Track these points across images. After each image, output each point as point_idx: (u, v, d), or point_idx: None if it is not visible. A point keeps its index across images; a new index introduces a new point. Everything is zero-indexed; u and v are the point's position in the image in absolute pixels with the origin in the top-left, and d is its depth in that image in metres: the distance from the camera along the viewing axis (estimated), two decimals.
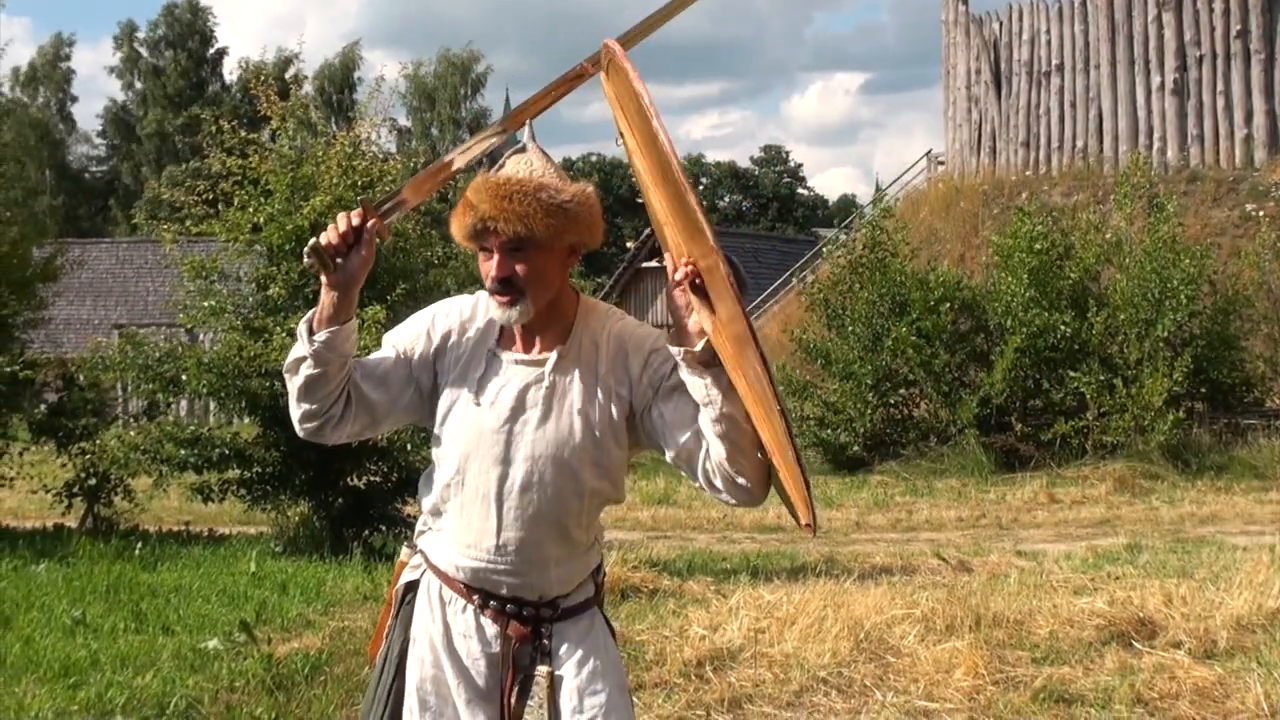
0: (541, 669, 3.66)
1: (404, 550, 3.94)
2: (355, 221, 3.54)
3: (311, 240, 3.52)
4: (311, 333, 3.58)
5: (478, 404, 3.64)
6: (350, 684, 8.09)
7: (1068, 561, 12.77)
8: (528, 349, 3.68)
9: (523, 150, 3.64)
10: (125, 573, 12.23)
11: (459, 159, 3.80)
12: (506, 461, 3.59)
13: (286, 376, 3.69)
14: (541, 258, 3.57)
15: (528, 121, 3.74)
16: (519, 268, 3.54)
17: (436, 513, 3.76)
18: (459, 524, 3.67)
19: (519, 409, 3.62)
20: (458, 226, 3.58)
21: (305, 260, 3.55)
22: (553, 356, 3.63)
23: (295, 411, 3.72)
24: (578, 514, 3.67)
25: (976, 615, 8.99)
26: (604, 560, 3.97)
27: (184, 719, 7.52)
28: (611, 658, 3.77)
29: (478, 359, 3.69)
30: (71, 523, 16.29)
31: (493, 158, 3.78)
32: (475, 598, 3.68)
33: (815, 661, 8.26)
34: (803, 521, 3.48)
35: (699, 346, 3.40)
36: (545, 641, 3.68)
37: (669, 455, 3.61)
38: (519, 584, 3.65)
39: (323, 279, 3.56)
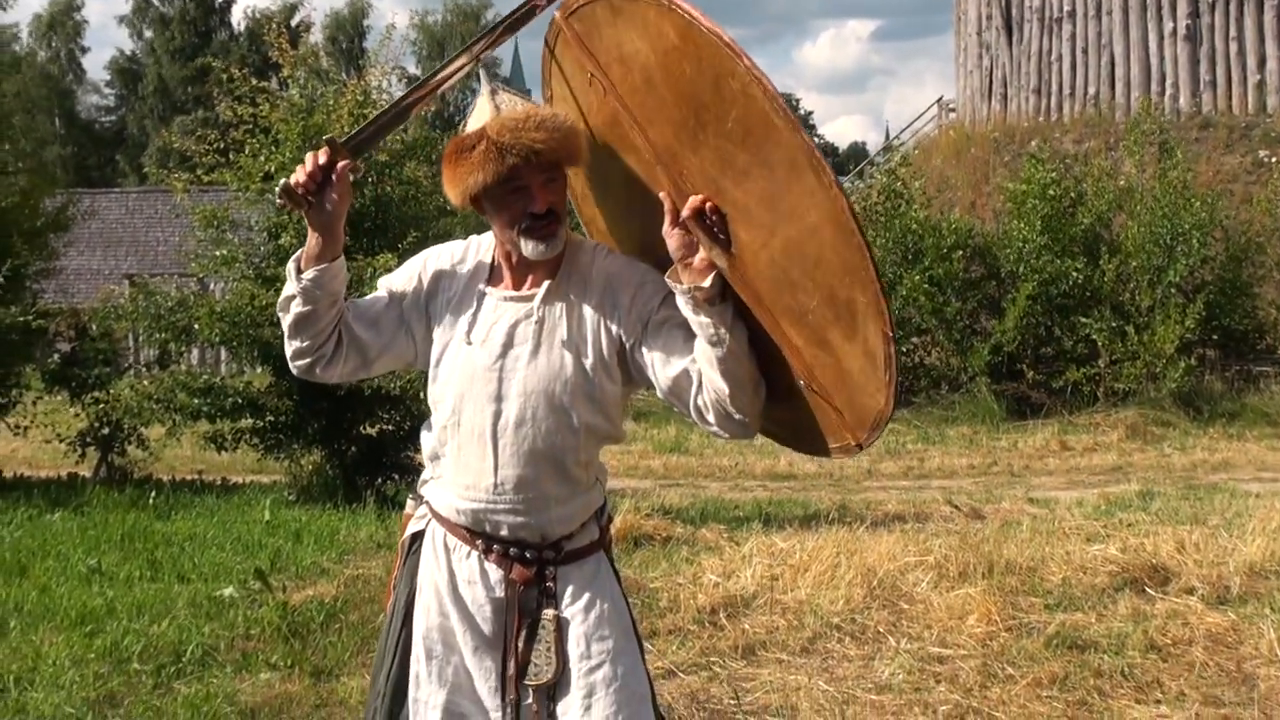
0: (548, 613, 3.66)
1: (409, 502, 3.96)
2: (322, 160, 3.57)
3: (283, 181, 3.55)
4: (300, 271, 3.62)
5: (469, 343, 3.67)
6: (365, 631, 8.13)
7: (1080, 508, 12.76)
8: (518, 286, 3.69)
9: (494, 93, 3.64)
10: (140, 521, 12.29)
11: (443, 77, 3.83)
12: (499, 399, 3.61)
13: (279, 315, 3.74)
14: (564, 183, 3.66)
15: (481, 71, 3.77)
16: (554, 196, 3.59)
17: (435, 457, 3.78)
18: (457, 465, 3.69)
19: (509, 345, 3.63)
20: (486, 175, 3.53)
21: (278, 200, 3.58)
22: (541, 291, 3.64)
23: (288, 349, 3.78)
24: (574, 449, 3.67)
25: (989, 562, 9.00)
26: (608, 504, 3.97)
27: (200, 666, 7.56)
28: (618, 603, 3.77)
29: (469, 299, 3.72)
30: (85, 472, 16.32)
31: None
32: (479, 542, 3.69)
33: (828, 608, 8.29)
34: (852, 440, 3.47)
35: (708, 282, 3.39)
36: (550, 585, 3.68)
37: (660, 389, 3.62)
38: (519, 523, 3.66)
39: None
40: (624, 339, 3.63)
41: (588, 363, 3.62)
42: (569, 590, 3.70)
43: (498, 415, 3.61)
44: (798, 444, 3.77)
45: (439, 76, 3.80)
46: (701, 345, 3.45)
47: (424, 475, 3.90)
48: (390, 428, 14.31)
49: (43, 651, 7.74)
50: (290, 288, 3.65)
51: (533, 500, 3.64)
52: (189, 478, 16.43)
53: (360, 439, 14.35)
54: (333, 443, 14.31)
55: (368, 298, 3.84)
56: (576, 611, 3.68)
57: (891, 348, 3.18)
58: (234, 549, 10.94)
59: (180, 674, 7.44)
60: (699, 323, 3.42)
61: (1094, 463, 18.43)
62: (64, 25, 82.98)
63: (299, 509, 13.20)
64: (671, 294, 3.53)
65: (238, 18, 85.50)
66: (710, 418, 3.52)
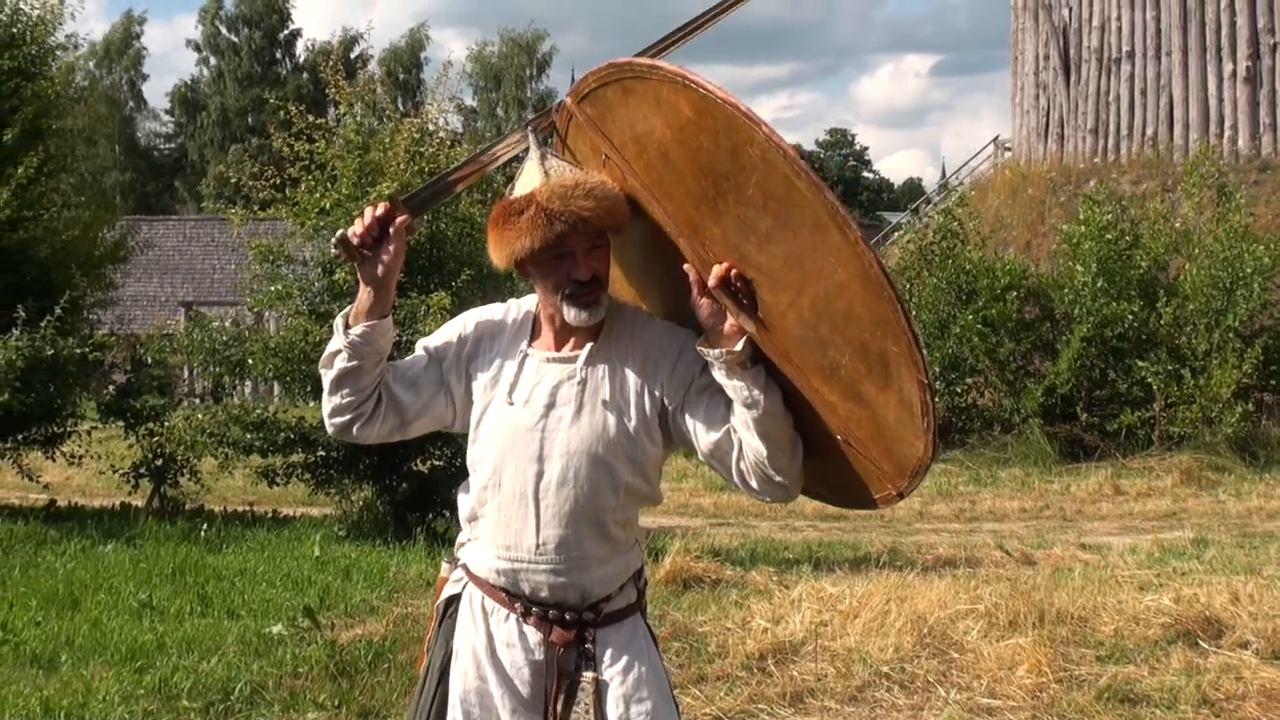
0: (587, 675, 3.66)
1: (444, 565, 3.96)
2: (380, 214, 3.58)
3: (340, 231, 3.55)
4: (348, 327, 3.63)
5: (511, 403, 3.67)
6: (412, 672, 8.08)
7: (1133, 555, 12.67)
8: (560, 347, 3.70)
9: (544, 158, 3.65)
10: (191, 555, 12.36)
11: (498, 153, 3.83)
12: (542, 459, 3.61)
13: (321, 371, 3.74)
14: (608, 250, 3.66)
15: (529, 130, 3.77)
16: (599, 264, 3.61)
17: (474, 518, 3.77)
18: (497, 526, 3.69)
19: (552, 405, 3.64)
20: (532, 240, 3.54)
21: (333, 250, 3.58)
22: (584, 353, 3.65)
23: (326, 406, 3.77)
24: (614, 509, 3.67)
25: (1040, 611, 8.92)
26: (645, 567, 3.97)
27: (248, 705, 7.58)
28: (655, 664, 3.78)
29: (510, 360, 3.73)
30: (138, 502, 16.43)
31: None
32: (518, 605, 3.69)
33: (878, 656, 8.24)
34: (893, 489, 3.51)
35: (738, 346, 3.42)
36: (589, 646, 3.68)
37: (702, 453, 3.63)
38: (560, 584, 3.66)
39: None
40: (666, 403, 3.65)
41: (630, 424, 3.63)
42: (608, 653, 3.70)
43: (540, 475, 3.61)
44: (841, 499, 3.77)
45: (490, 154, 3.81)
46: (738, 409, 3.48)
47: (460, 538, 3.90)
48: (441, 464, 14.32)
49: (93, 687, 7.77)
50: (337, 343, 3.66)
51: (574, 560, 3.65)
52: (241, 509, 16.53)
53: (411, 475, 14.37)
54: (384, 479, 14.35)
55: (407, 360, 3.85)
56: (615, 674, 3.68)
57: (929, 395, 3.19)
58: (283, 585, 10.99)
59: (229, 712, 7.47)
60: (733, 387, 3.45)
61: (1148, 508, 18.28)
62: (124, 54, 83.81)
63: (349, 545, 13.25)
64: (699, 349, 3.57)
65: (300, 49, 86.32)
66: (752, 482, 3.55)
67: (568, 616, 3.67)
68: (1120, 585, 10.30)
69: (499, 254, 3.63)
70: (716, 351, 3.44)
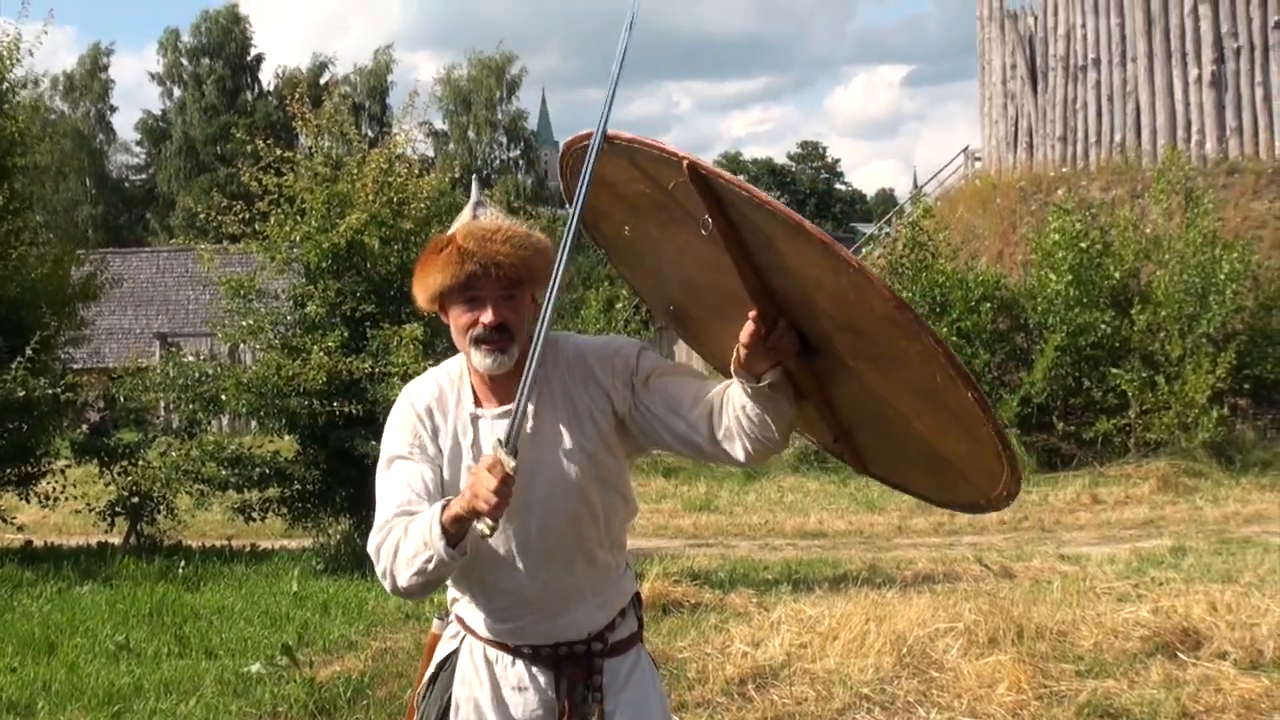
0: (595, 706, 3.67)
1: (436, 621, 3.92)
2: (502, 483, 3.26)
3: (483, 528, 3.27)
4: (452, 541, 3.37)
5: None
6: (392, 708, 8.10)
7: (1111, 566, 12.70)
8: (504, 400, 3.65)
9: (482, 204, 3.64)
10: (169, 594, 12.29)
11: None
12: (519, 513, 3.55)
13: (404, 562, 3.47)
14: (524, 302, 3.61)
15: (474, 179, 3.73)
16: (509, 313, 3.57)
17: (461, 581, 3.73)
18: (488, 588, 3.66)
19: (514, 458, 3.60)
20: (444, 278, 3.55)
21: (487, 534, 3.29)
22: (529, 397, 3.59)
23: (407, 583, 3.47)
24: (598, 536, 3.68)
25: (1019, 627, 8.93)
26: (640, 593, 3.98)
27: None
28: (658, 693, 3.84)
29: (463, 427, 3.69)
30: (115, 539, 16.36)
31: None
32: (524, 649, 3.69)
33: (858, 678, 8.23)
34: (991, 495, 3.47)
35: (765, 381, 3.37)
36: (597, 677, 3.70)
37: (669, 439, 3.62)
38: (563, 624, 3.67)
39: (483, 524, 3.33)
40: (617, 412, 3.65)
41: (590, 447, 3.62)
42: (614, 683, 3.72)
43: (521, 530, 3.59)
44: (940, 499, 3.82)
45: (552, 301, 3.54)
46: (747, 403, 3.45)
47: (450, 594, 3.83)
48: None
49: None
50: (439, 554, 3.38)
51: (569, 596, 3.65)
52: (219, 544, 16.45)
53: None
54: (361, 510, 14.31)
55: (409, 481, 3.65)
56: (622, 704, 3.71)
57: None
58: (261, 622, 10.94)
59: None
60: (752, 402, 3.43)
61: (1125, 516, 18.31)
62: (90, 87, 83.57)
63: (327, 579, 13.20)
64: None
65: (268, 76, 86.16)
66: (736, 444, 3.51)
67: (576, 649, 3.69)
68: (1099, 597, 10.34)
69: (419, 290, 3.64)
70: (747, 379, 3.39)
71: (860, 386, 3.50)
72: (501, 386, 3.65)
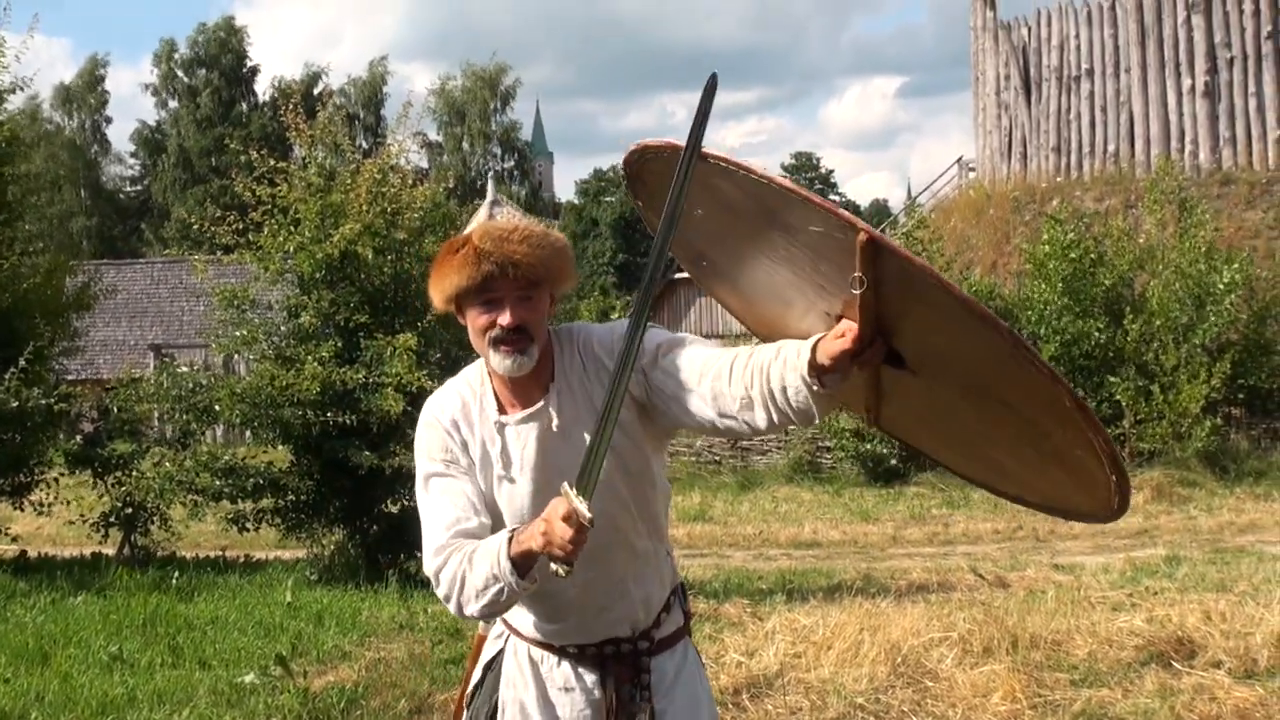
0: (645, 705, 3.67)
1: (481, 623, 3.91)
2: (577, 533, 3.22)
3: (559, 570, 3.25)
4: (521, 572, 3.36)
5: (511, 479, 3.60)
6: (386, 717, 8.09)
7: (1105, 575, 12.70)
8: (527, 404, 3.63)
9: (498, 203, 3.60)
10: (162, 604, 12.26)
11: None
12: None
13: (473, 592, 3.44)
14: (543, 302, 3.57)
15: (489, 177, 3.71)
16: (527, 313, 3.52)
17: None
18: (530, 599, 3.62)
19: (543, 462, 3.58)
20: (461, 279, 3.51)
21: (563, 574, 3.28)
22: (547, 398, 3.61)
23: (478, 611, 3.46)
24: (634, 525, 3.67)
25: (1014, 636, 8.92)
26: (684, 582, 3.96)
27: None
28: (706, 688, 3.83)
29: (490, 435, 3.65)
30: (109, 550, 16.34)
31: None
32: (570, 649, 3.69)
33: (852, 687, 8.21)
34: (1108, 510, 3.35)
35: (829, 387, 3.22)
36: (645, 675, 3.69)
37: (684, 417, 3.52)
38: (608, 621, 3.67)
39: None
40: (635, 397, 3.58)
41: (615, 439, 3.51)
42: (664, 682, 3.72)
43: None
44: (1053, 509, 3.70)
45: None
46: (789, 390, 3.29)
47: None
48: (411, 504, 14.24)
49: None
50: (510, 585, 3.38)
51: (611, 591, 3.65)
52: (212, 554, 16.45)
53: (382, 517, 14.34)
54: (355, 521, 14.31)
55: (453, 500, 3.61)
56: (671, 701, 3.70)
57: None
58: (255, 632, 10.91)
59: None
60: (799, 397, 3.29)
61: (1119, 526, 18.25)
62: (86, 99, 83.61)
63: (321, 589, 13.18)
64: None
65: (263, 87, 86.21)
66: (757, 416, 3.37)
67: (623, 648, 3.68)
68: (1093, 607, 10.32)
69: (436, 292, 3.59)
70: (811, 377, 3.22)
71: (944, 403, 3.42)
72: (524, 390, 3.63)
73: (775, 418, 3.34)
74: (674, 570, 3.86)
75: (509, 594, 3.37)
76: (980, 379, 3.23)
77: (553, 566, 3.24)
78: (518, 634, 3.76)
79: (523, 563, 3.32)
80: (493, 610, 3.46)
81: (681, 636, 3.81)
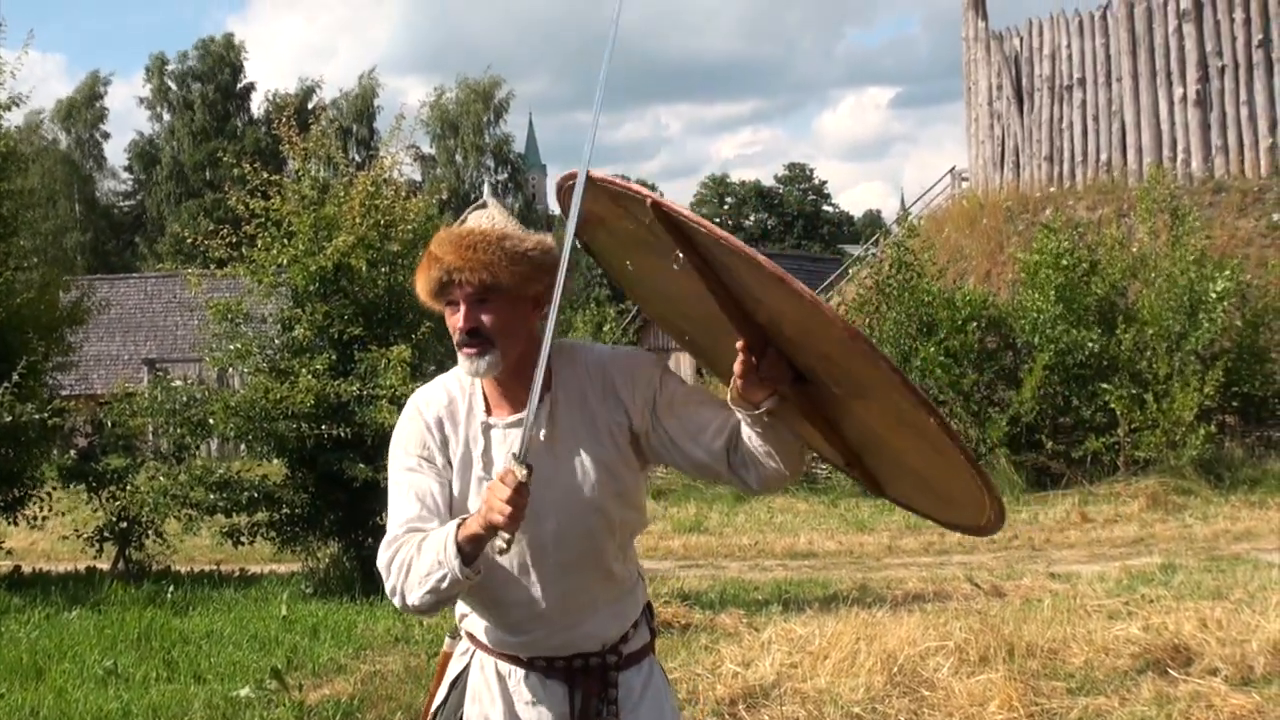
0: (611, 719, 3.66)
1: (447, 640, 3.88)
2: (517, 493, 3.21)
3: (499, 543, 3.22)
4: (466, 559, 3.33)
5: (490, 481, 3.49)
6: None
7: (1101, 584, 12.68)
8: (515, 408, 3.60)
9: (483, 206, 3.60)
10: (157, 619, 12.24)
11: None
12: (534, 523, 3.45)
13: (416, 580, 3.41)
14: (507, 307, 3.52)
15: (485, 184, 3.71)
16: (485, 318, 3.50)
17: (475, 600, 3.66)
18: (502, 602, 3.60)
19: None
20: (423, 283, 3.55)
21: (503, 549, 3.25)
22: (542, 406, 3.54)
23: (418, 601, 3.43)
24: (614, 550, 3.65)
25: (1010, 645, 8.93)
26: (651, 602, 3.95)
27: None
28: (672, 705, 3.80)
29: (475, 435, 3.63)
30: (104, 565, 16.31)
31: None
32: (537, 663, 3.66)
33: (849, 697, 8.20)
34: (981, 521, 3.52)
35: (762, 409, 3.41)
36: (612, 690, 3.67)
37: (684, 465, 3.64)
38: (577, 636, 3.63)
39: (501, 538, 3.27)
40: (635, 429, 3.60)
41: (608, 460, 3.58)
42: (629, 698, 3.69)
43: (536, 540, 3.53)
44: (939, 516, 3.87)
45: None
46: (751, 435, 3.50)
47: (459, 609, 3.76)
48: None
49: None
50: (454, 572, 3.33)
51: (584, 609, 3.62)
52: (207, 568, 16.43)
53: (377, 530, 14.29)
54: (349, 534, 14.30)
55: (418, 495, 3.58)
56: (637, 717, 3.69)
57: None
58: (250, 646, 10.90)
59: None
60: (753, 420, 3.47)
61: (1115, 534, 18.32)
62: (83, 114, 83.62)
63: (316, 602, 13.17)
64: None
65: (258, 101, 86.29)
66: (751, 473, 3.56)
67: (591, 661, 3.66)
68: (1089, 615, 10.33)
69: (419, 292, 3.63)
70: (744, 409, 3.44)
71: (853, 414, 3.52)
72: (513, 394, 3.60)
73: (760, 474, 3.57)
74: (644, 593, 3.86)
75: (451, 581, 3.33)
76: (814, 348, 3.33)
77: (495, 541, 3.22)
78: (484, 648, 3.71)
79: (469, 549, 3.30)
80: (435, 600, 3.40)
81: (647, 654, 3.79)
